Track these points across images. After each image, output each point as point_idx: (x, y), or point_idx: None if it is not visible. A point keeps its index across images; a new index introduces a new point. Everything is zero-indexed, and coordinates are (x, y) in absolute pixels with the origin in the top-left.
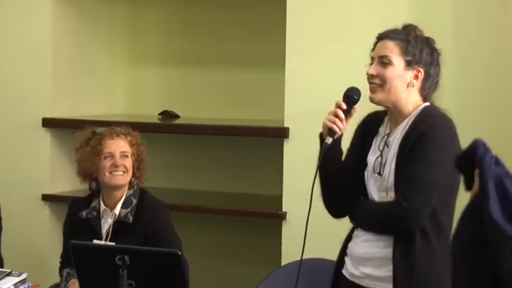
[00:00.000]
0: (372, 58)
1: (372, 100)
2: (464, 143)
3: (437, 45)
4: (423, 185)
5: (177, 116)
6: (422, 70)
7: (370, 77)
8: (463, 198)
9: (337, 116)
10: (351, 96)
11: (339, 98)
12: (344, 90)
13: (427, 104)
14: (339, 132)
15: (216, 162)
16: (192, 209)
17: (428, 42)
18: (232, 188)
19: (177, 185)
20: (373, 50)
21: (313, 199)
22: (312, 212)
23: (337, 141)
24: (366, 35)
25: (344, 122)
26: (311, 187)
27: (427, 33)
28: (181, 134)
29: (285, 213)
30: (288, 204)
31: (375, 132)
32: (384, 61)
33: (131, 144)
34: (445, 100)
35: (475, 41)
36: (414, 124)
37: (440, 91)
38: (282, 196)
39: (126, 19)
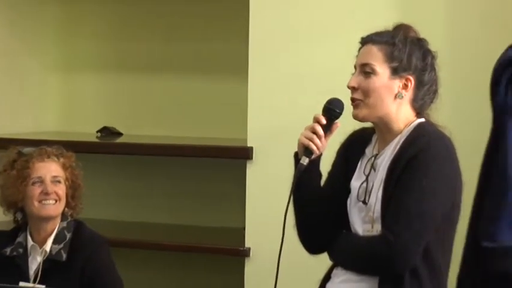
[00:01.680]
0: (355, 67)
1: (355, 117)
2: (463, 165)
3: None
4: (414, 218)
5: (120, 134)
6: (412, 78)
7: (352, 90)
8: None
9: (315, 132)
10: (332, 110)
11: (316, 111)
12: (322, 102)
13: (422, 120)
14: (317, 152)
15: (166, 189)
16: (137, 244)
17: (420, 44)
18: (185, 219)
19: (119, 217)
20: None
21: (285, 232)
22: (283, 247)
23: (315, 162)
24: (346, 37)
25: (323, 139)
26: (283, 217)
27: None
28: (125, 154)
29: (249, 249)
30: (252, 239)
31: (361, 153)
32: (366, 70)
33: (64, 168)
34: (439, 113)
35: (471, 42)
36: (405, 144)
37: (439, 102)
38: (244, 228)
39: (58, 19)
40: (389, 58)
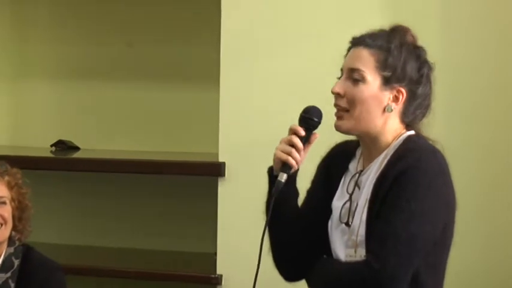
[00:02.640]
0: (342, 70)
1: (338, 129)
2: (458, 183)
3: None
4: (402, 243)
5: (76, 148)
6: (404, 90)
7: (336, 97)
8: (455, 258)
9: (293, 145)
10: (310, 119)
11: (292, 121)
12: (299, 111)
13: (411, 132)
14: (296, 166)
15: (128, 210)
16: (95, 272)
17: (416, 53)
18: (150, 243)
19: (75, 240)
20: (345, 57)
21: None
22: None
23: (292, 179)
24: (328, 41)
25: (302, 152)
26: (259, 241)
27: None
28: (82, 171)
29: (220, 276)
30: (224, 265)
31: (344, 169)
32: (354, 77)
33: (9, 187)
34: (430, 125)
35: (471, 48)
36: (393, 159)
37: (431, 117)
38: (216, 254)
39: (6, 22)
40: (382, 66)
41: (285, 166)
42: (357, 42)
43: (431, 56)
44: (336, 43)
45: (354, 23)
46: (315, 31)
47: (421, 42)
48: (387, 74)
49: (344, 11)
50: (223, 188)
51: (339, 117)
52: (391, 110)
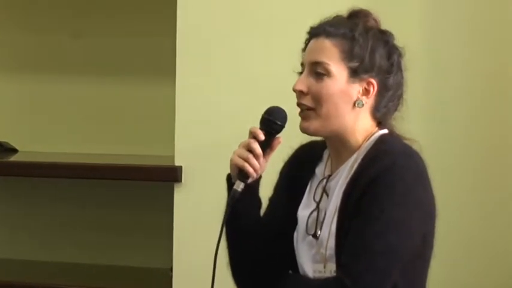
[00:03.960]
0: (302, 65)
1: (305, 131)
2: (438, 186)
3: (399, 42)
4: (377, 257)
5: (14, 150)
6: (374, 81)
7: (299, 95)
8: (436, 271)
9: (251, 150)
10: (272, 121)
11: (257, 120)
12: (264, 109)
13: (384, 131)
14: (254, 175)
15: (74, 219)
16: None
17: (384, 38)
18: (98, 257)
19: (14, 254)
20: (304, 50)
21: (217, 272)
22: None
23: (253, 187)
24: (296, 32)
25: (262, 159)
26: (214, 254)
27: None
28: (21, 176)
29: None
30: (180, 282)
31: (310, 174)
32: (317, 70)
33: None
34: (411, 123)
35: (455, 37)
36: (365, 162)
37: (404, 109)
38: (171, 269)
39: None
40: (348, 56)
41: (241, 174)
42: (316, 32)
43: (410, 46)
44: (300, 36)
45: (320, 15)
46: (279, 23)
47: (400, 32)
48: (354, 64)
49: (308, 1)
50: (180, 195)
51: (304, 117)
52: (362, 105)
